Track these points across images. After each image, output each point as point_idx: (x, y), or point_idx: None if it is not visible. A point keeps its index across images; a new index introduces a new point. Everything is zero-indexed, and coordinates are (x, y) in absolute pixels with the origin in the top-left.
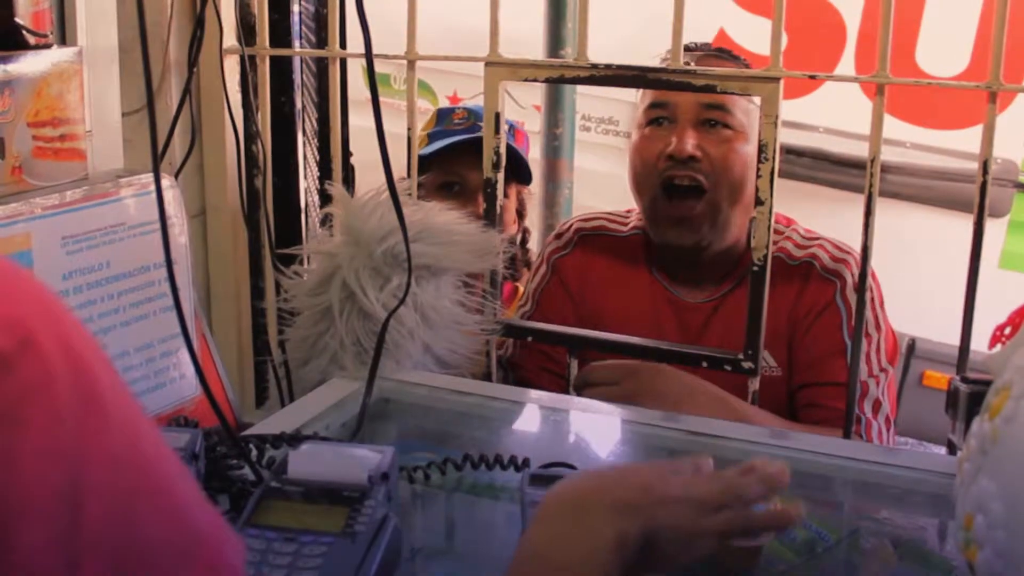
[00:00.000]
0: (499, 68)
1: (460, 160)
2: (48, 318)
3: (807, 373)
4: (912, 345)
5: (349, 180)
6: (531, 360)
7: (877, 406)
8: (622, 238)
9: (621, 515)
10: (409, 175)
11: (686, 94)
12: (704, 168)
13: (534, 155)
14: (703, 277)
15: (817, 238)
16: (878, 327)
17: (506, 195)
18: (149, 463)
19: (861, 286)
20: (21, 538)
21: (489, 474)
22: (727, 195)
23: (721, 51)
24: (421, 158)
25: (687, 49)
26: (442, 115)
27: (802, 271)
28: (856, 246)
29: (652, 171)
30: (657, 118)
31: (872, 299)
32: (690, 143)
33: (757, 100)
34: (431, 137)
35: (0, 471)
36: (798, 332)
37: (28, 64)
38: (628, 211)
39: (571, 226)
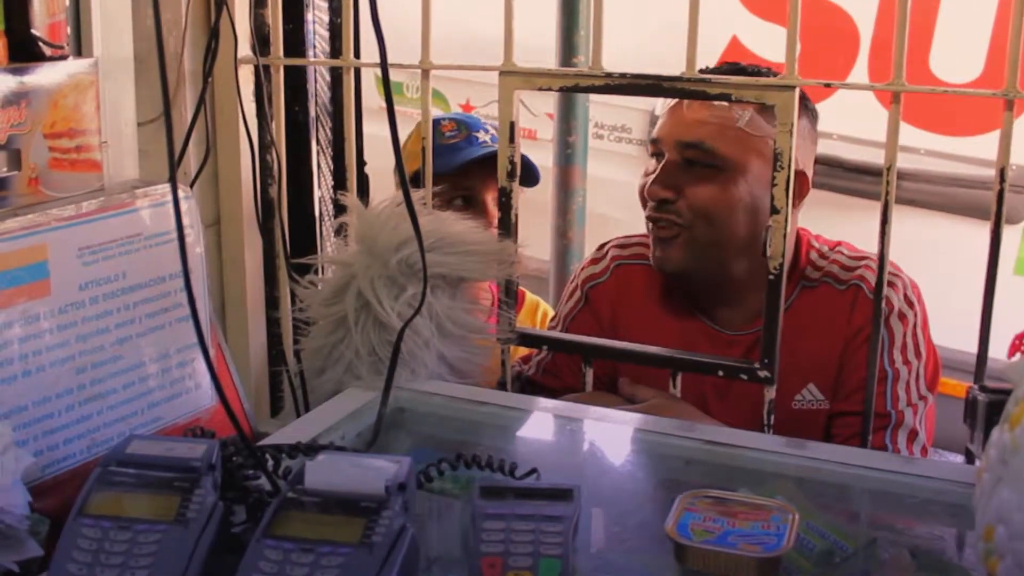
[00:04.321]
0: (513, 77)
1: (464, 173)
2: None
3: (847, 401)
4: None
5: (363, 189)
6: (552, 391)
7: (913, 436)
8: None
9: None
10: (423, 185)
11: (673, 131)
12: (679, 208)
13: (546, 163)
14: (741, 308)
15: (864, 257)
16: (918, 354)
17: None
18: None
19: (878, 293)
20: None
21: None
22: (706, 234)
23: (753, 68)
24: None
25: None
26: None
27: (850, 295)
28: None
29: (643, 203)
30: (654, 152)
31: (914, 324)
32: (659, 186)
33: (762, 127)
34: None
35: None
36: (847, 353)
37: (44, 75)
38: None
39: (608, 252)
